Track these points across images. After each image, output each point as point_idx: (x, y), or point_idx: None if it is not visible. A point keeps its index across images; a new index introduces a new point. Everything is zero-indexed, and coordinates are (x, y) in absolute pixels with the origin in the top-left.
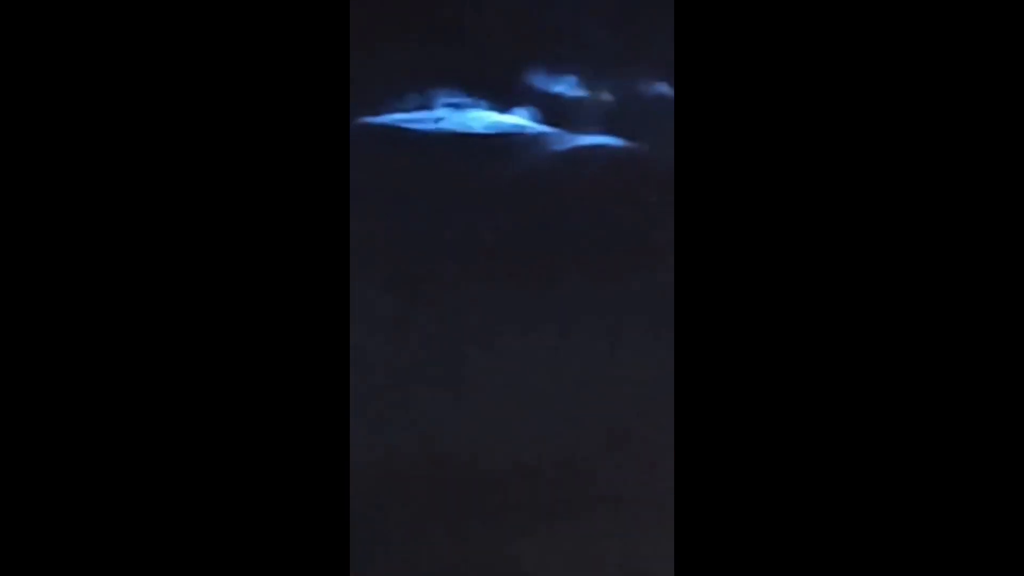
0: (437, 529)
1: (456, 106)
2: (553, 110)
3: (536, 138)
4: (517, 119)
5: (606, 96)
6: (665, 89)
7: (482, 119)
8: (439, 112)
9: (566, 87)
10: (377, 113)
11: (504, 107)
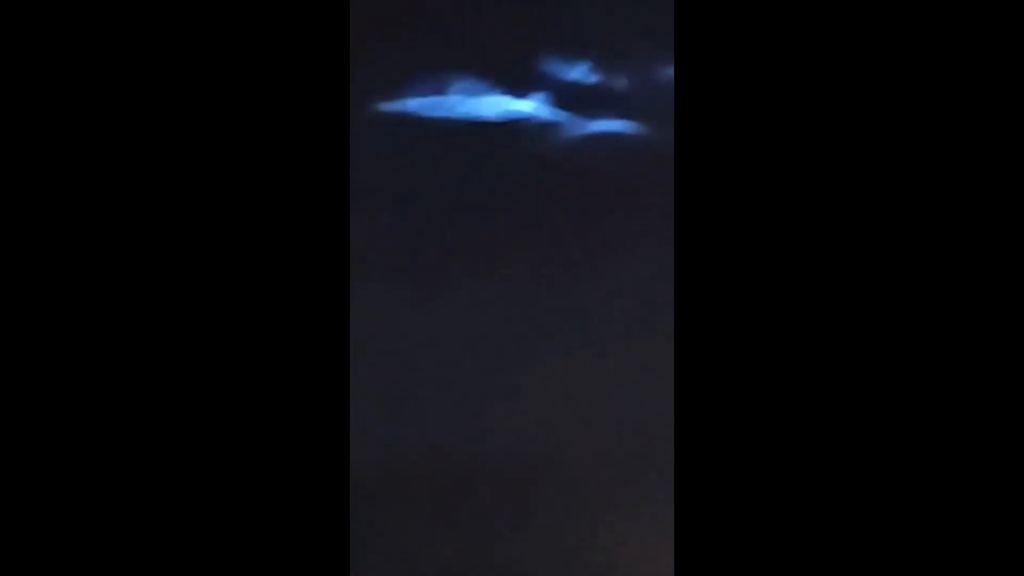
0: (437, 529)
1: (470, 92)
2: (568, 96)
3: (550, 124)
4: (531, 105)
5: (621, 82)
6: None
7: (496, 105)
8: (453, 99)
9: (581, 73)
10: (391, 99)
11: (518, 93)
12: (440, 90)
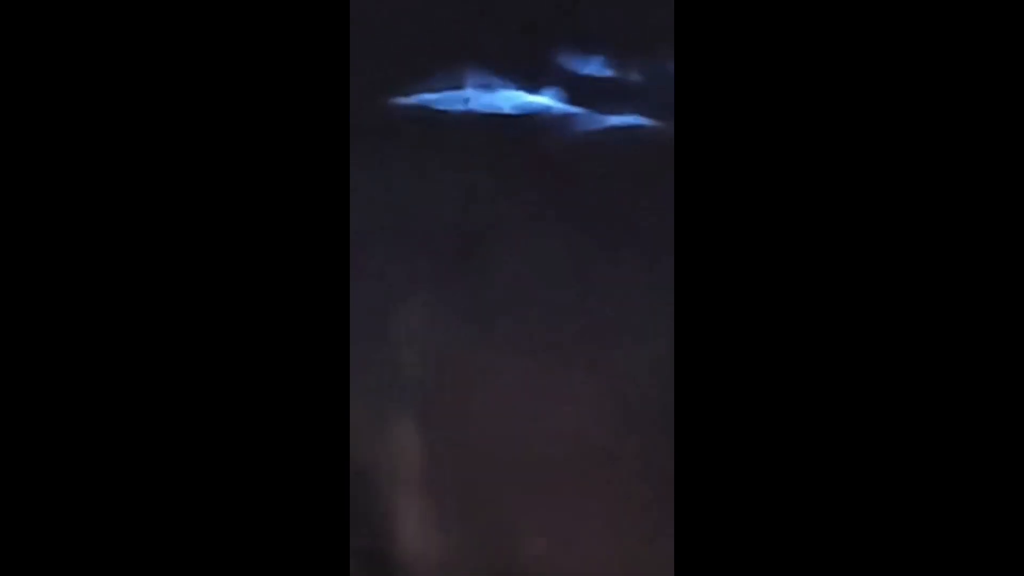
0: (435, 527)
1: (485, 87)
2: (582, 91)
3: (564, 118)
4: (545, 100)
5: (635, 76)
6: None
7: (511, 100)
8: (468, 93)
9: (595, 68)
10: (407, 94)
11: (533, 88)
12: (455, 84)
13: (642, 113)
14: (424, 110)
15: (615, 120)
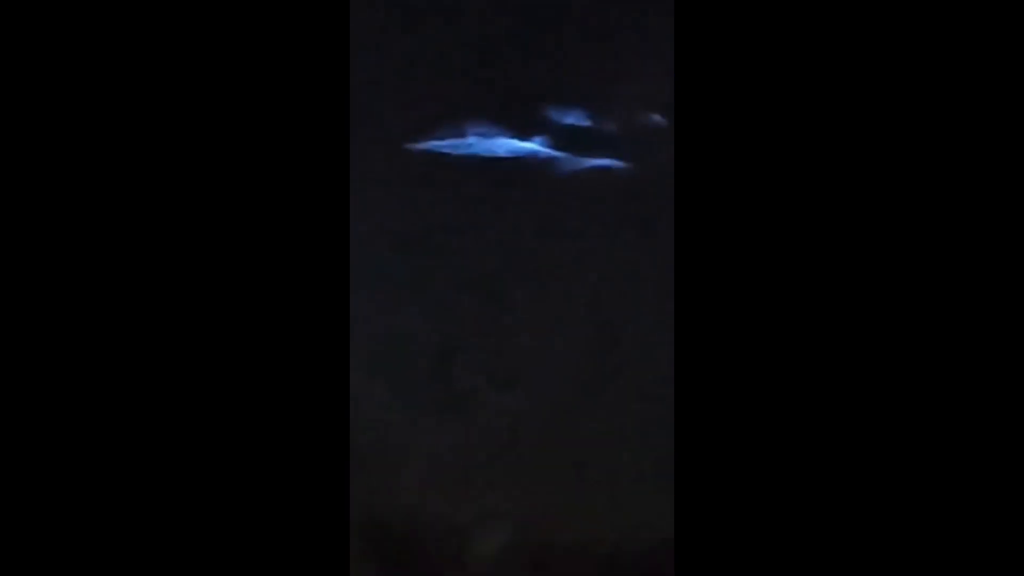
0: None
1: (484, 135)
2: (565, 138)
3: (550, 161)
4: (534, 145)
5: (610, 126)
6: (659, 119)
7: (505, 145)
8: (470, 140)
9: (576, 119)
10: (417, 140)
11: (524, 135)
12: (459, 133)
13: (615, 156)
14: (432, 154)
15: (592, 162)
